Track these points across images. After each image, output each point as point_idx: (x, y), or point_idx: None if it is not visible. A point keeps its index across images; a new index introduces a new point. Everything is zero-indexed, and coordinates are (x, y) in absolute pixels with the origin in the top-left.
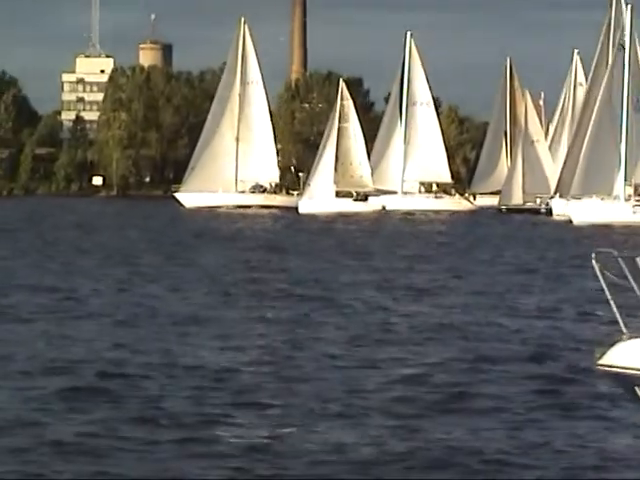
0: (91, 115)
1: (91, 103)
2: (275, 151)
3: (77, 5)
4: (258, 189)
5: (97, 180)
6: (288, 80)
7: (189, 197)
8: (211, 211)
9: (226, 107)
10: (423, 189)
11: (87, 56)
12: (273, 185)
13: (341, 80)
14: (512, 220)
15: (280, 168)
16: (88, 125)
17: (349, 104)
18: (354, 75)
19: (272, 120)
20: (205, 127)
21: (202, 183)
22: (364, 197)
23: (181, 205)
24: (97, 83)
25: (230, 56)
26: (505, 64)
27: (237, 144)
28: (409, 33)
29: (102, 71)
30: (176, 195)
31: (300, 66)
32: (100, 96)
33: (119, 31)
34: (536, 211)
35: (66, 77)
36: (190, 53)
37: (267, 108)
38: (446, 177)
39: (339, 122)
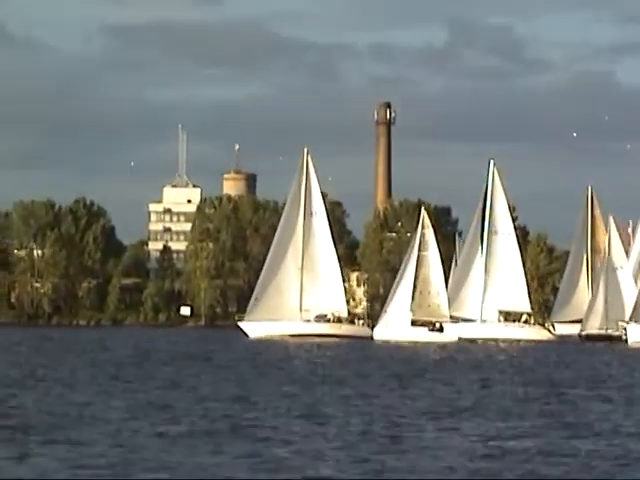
0: (178, 245)
1: (178, 233)
2: (341, 282)
3: (163, 135)
4: (322, 318)
5: (185, 310)
6: (376, 209)
7: (253, 326)
8: (277, 341)
9: (290, 237)
10: (502, 318)
11: (174, 186)
12: (337, 315)
13: (422, 208)
14: (588, 348)
15: (368, 297)
16: (175, 255)
17: (429, 232)
18: (442, 204)
19: (362, 249)
20: (269, 257)
21: (266, 312)
22: (440, 327)
23: (245, 335)
24: (184, 213)
25: (293, 187)
26: (586, 193)
27: (302, 273)
28: (492, 161)
29: (189, 201)
30: (240, 324)
31: (385, 195)
32: (187, 226)
33: (204, 161)
34: (617, 338)
35: (153, 207)
36: (274, 183)
37: (330, 238)
38: (525, 306)
39: (419, 250)
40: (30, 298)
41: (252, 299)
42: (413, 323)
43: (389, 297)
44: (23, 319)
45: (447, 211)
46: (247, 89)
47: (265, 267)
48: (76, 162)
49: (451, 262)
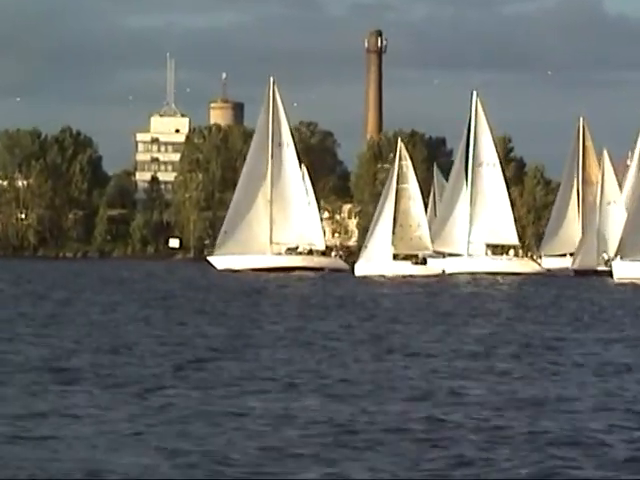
0: (166, 176)
1: (166, 163)
2: (317, 213)
3: (150, 64)
4: (294, 251)
5: (174, 242)
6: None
7: (222, 260)
8: (248, 274)
9: (258, 169)
10: (489, 252)
11: (161, 115)
12: (308, 248)
13: (399, 140)
14: (575, 284)
15: (360, 229)
16: (163, 186)
17: (407, 164)
18: (438, 135)
19: (355, 180)
20: (237, 190)
21: (235, 246)
22: (423, 260)
23: (214, 268)
24: (172, 143)
25: (260, 118)
26: (577, 124)
27: (271, 206)
28: (475, 92)
29: (177, 131)
30: (209, 259)
31: (376, 125)
32: (175, 156)
33: (191, 90)
34: (607, 273)
35: (140, 137)
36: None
37: (298, 170)
38: (513, 239)
39: (397, 183)
40: (15, 229)
41: (221, 232)
42: (395, 257)
43: (369, 231)
44: (8, 251)
45: (442, 142)
46: (231, 16)
47: (233, 200)
48: (61, 91)
49: (430, 194)
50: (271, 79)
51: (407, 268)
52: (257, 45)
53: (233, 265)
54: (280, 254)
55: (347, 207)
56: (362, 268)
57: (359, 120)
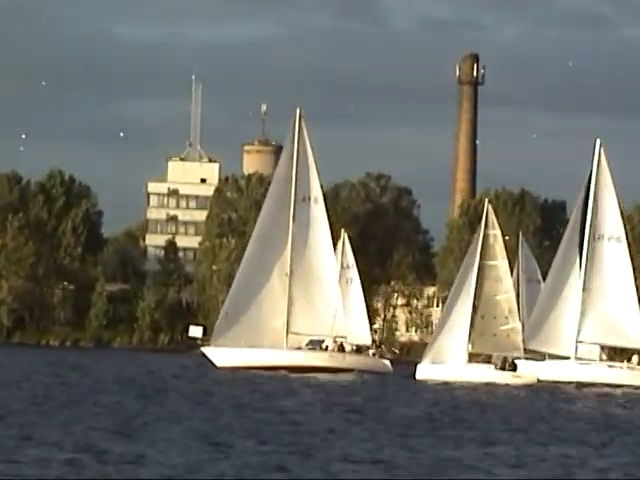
0: (187, 241)
1: (187, 224)
2: (361, 298)
3: (171, 97)
4: (317, 345)
5: (195, 331)
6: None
7: (222, 354)
8: (248, 376)
9: (275, 232)
10: (605, 356)
11: (182, 159)
12: (339, 343)
13: (487, 201)
14: None
15: None
16: (183, 254)
17: (497, 235)
18: (556, 198)
19: (441, 256)
20: (245, 259)
21: (239, 334)
22: (512, 365)
23: (210, 362)
24: (196, 197)
25: (281, 162)
26: None
27: (290, 282)
28: (598, 142)
29: (203, 180)
30: (205, 351)
31: (467, 182)
32: (200, 215)
33: (219, 128)
34: None
35: (153, 187)
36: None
37: (329, 234)
38: (637, 341)
39: (482, 259)
40: None
41: (221, 315)
42: (470, 359)
43: (438, 322)
44: None
45: (561, 207)
46: (265, 29)
47: (239, 272)
48: (49, 124)
49: (518, 276)
50: (297, 111)
51: (488, 374)
52: (301, 66)
53: (235, 360)
54: (299, 349)
55: (430, 291)
56: (425, 371)
57: (445, 174)
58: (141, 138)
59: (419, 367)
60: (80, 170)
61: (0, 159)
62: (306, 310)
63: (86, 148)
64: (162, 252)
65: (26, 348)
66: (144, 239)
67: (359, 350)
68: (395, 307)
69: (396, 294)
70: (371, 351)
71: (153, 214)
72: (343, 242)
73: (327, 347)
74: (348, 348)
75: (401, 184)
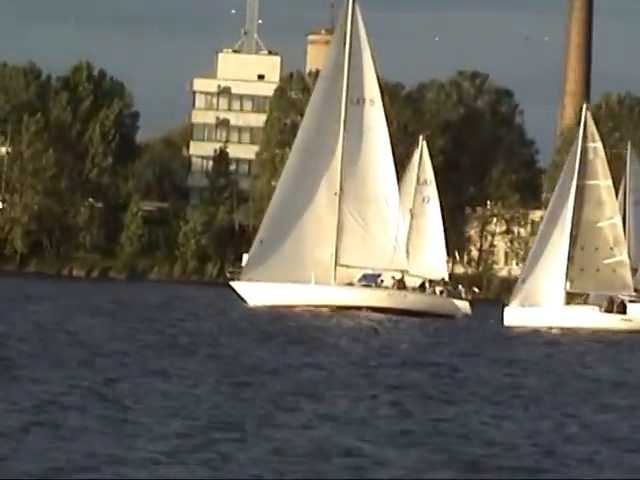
0: (242, 150)
1: (241, 129)
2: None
3: None
4: (371, 280)
5: None
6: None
7: (254, 289)
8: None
9: (321, 142)
10: None
11: (236, 51)
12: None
13: (584, 107)
14: None
15: None
16: (235, 167)
17: (598, 148)
18: None
19: (550, 173)
20: (284, 175)
21: (277, 266)
22: (620, 306)
23: (242, 300)
24: (252, 97)
25: (330, 57)
26: None
27: (339, 204)
28: None
29: (261, 77)
30: (234, 285)
31: (579, 83)
32: (257, 118)
33: (280, 15)
34: None
35: (200, 84)
36: (388, 48)
37: (389, 147)
38: None
39: (580, 178)
40: None
41: (255, 242)
42: (569, 300)
43: (528, 257)
44: None
45: None
46: None
47: (277, 190)
48: (74, 7)
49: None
50: None
51: (591, 317)
52: None
53: (271, 298)
54: (351, 284)
55: (536, 215)
56: (514, 315)
57: (552, 74)
58: (185, 25)
59: (507, 310)
60: (111, 63)
61: (14, 47)
62: (359, 237)
63: (119, 36)
64: (210, 164)
65: (43, 278)
66: (188, 148)
67: (423, 287)
68: (493, 235)
69: (495, 219)
70: (438, 288)
71: (199, 117)
72: (421, 152)
73: (382, 283)
74: (412, 284)
75: (500, 84)
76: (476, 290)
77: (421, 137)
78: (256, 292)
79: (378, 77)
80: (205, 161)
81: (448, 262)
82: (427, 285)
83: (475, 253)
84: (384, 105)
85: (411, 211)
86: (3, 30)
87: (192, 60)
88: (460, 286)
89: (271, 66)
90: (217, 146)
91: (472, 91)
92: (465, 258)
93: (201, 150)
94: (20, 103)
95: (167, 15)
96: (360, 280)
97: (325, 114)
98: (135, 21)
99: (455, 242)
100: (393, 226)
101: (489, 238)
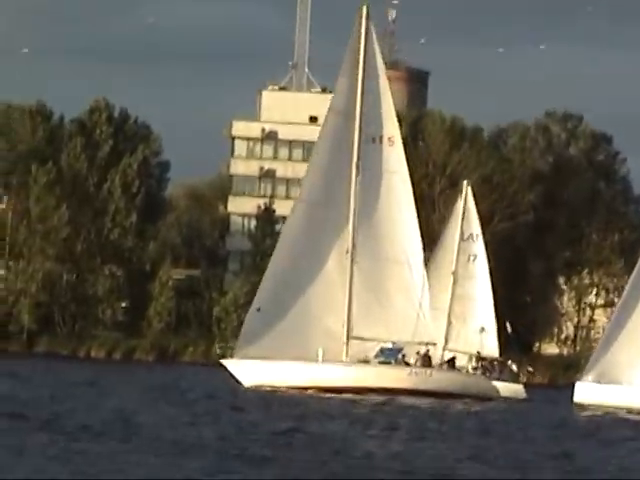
0: (290, 206)
1: (289, 182)
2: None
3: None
4: (392, 355)
5: None
6: None
7: (249, 368)
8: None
9: (329, 190)
10: None
11: (283, 89)
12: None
13: None
14: None
15: None
16: (282, 225)
17: None
18: None
19: None
20: (284, 232)
21: (276, 341)
22: None
23: (235, 380)
24: (302, 142)
25: (339, 88)
26: None
27: (351, 265)
28: None
29: (313, 119)
30: (225, 363)
31: None
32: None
33: (329, 48)
34: None
35: (241, 128)
36: (459, 87)
37: (410, 191)
38: None
39: None
40: None
41: (250, 311)
42: None
43: (609, 326)
44: None
45: None
46: None
47: (278, 248)
48: (88, 39)
49: None
50: (364, 7)
51: None
52: None
53: (270, 378)
54: (366, 361)
55: None
56: (586, 391)
57: None
58: (222, 59)
59: (577, 386)
60: (134, 103)
61: (22, 85)
62: (375, 304)
63: (139, 72)
64: (253, 223)
65: (55, 359)
66: (225, 204)
67: (452, 363)
68: (593, 308)
69: (594, 289)
70: (470, 365)
71: (239, 168)
72: (465, 198)
73: (402, 358)
74: (440, 360)
75: (597, 128)
76: (531, 370)
77: (465, 182)
78: (252, 371)
79: (395, 106)
80: (247, 220)
81: (537, 343)
82: (473, 362)
83: (571, 330)
84: (462, 151)
85: (453, 274)
86: (7, 64)
87: (230, 100)
88: (510, 362)
89: (325, 106)
90: (261, 202)
91: (563, 136)
92: (555, 337)
93: (241, 207)
94: (27, 150)
95: (200, 49)
96: (377, 356)
97: (335, 155)
98: (159, 56)
99: (546, 317)
100: (417, 290)
101: (587, 312)
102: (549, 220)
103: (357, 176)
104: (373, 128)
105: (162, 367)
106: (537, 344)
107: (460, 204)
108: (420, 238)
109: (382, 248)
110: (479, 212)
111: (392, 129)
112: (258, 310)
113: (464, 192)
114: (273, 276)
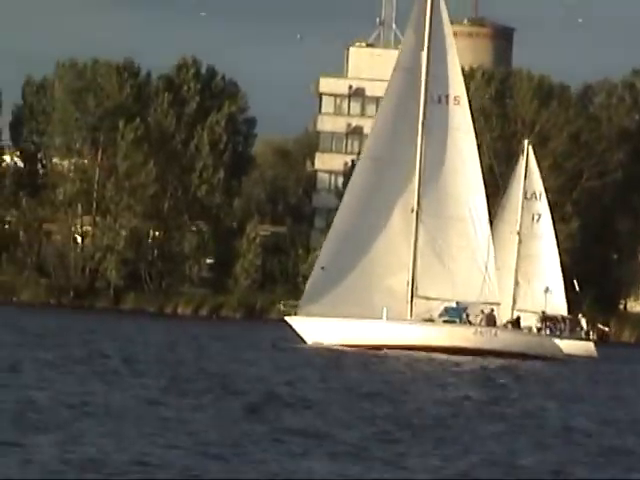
0: None
1: None
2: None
3: None
4: (456, 314)
5: None
6: None
7: (314, 326)
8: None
9: (393, 150)
10: None
11: (370, 45)
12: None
13: None
14: None
15: None
16: None
17: None
18: None
19: None
20: (350, 188)
21: (339, 299)
22: None
23: (299, 337)
24: None
25: (403, 49)
26: None
27: (416, 223)
28: None
29: None
30: (289, 320)
31: None
32: None
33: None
34: None
35: (328, 85)
36: (537, 42)
37: (476, 152)
38: None
39: None
40: (80, 258)
41: (314, 271)
42: None
43: None
44: (63, 297)
45: None
46: None
47: (342, 206)
48: None
49: None
50: None
51: None
52: None
53: (333, 336)
54: (431, 320)
55: None
56: None
57: None
58: (308, 15)
59: None
60: (222, 59)
61: (107, 41)
62: (440, 263)
63: (230, 28)
64: (340, 180)
65: (141, 317)
66: (312, 161)
67: (518, 323)
68: None
69: None
70: (536, 325)
71: (327, 125)
72: (526, 159)
73: (467, 318)
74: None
75: None
76: (604, 328)
77: (526, 142)
78: (316, 329)
79: (463, 69)
80: (333, 177)
81: (623, 301)
82: (538, 322)
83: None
84: (551, 110)
85: (518, 234)
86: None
87: (318, 57)
88: (583, 321)
89: None
90: (348, 159)
91: None
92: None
93: (328, 164)
94: (114, 107)
95: (286, 5)
96: (442, 315)
97: (401, 113)
98: (248, 13)
99: (632, 275)
100: (481, 250)
101: None
102: (637, 178)
103: (423, 134)
104: (439, 87)
105: (249, 324)
106: (623, 302)
107: (522, 163)
108: (485, 197)
109: (447, 206)
110: (566, 171)
111: (458, 88)
112: (322, 269)
113: (525, 151)
114: (337, 235)
